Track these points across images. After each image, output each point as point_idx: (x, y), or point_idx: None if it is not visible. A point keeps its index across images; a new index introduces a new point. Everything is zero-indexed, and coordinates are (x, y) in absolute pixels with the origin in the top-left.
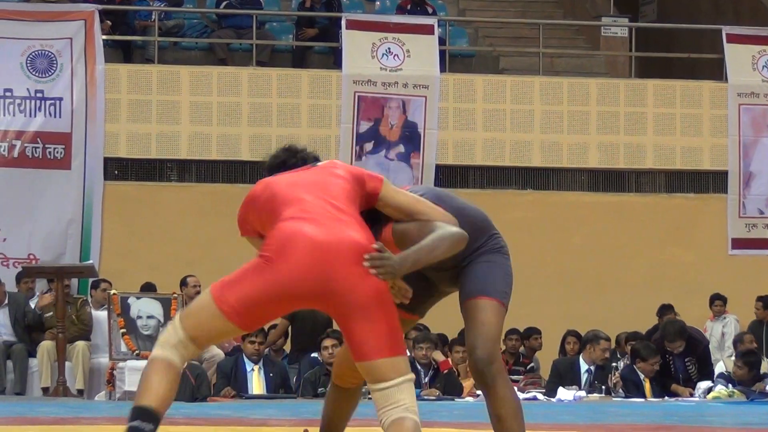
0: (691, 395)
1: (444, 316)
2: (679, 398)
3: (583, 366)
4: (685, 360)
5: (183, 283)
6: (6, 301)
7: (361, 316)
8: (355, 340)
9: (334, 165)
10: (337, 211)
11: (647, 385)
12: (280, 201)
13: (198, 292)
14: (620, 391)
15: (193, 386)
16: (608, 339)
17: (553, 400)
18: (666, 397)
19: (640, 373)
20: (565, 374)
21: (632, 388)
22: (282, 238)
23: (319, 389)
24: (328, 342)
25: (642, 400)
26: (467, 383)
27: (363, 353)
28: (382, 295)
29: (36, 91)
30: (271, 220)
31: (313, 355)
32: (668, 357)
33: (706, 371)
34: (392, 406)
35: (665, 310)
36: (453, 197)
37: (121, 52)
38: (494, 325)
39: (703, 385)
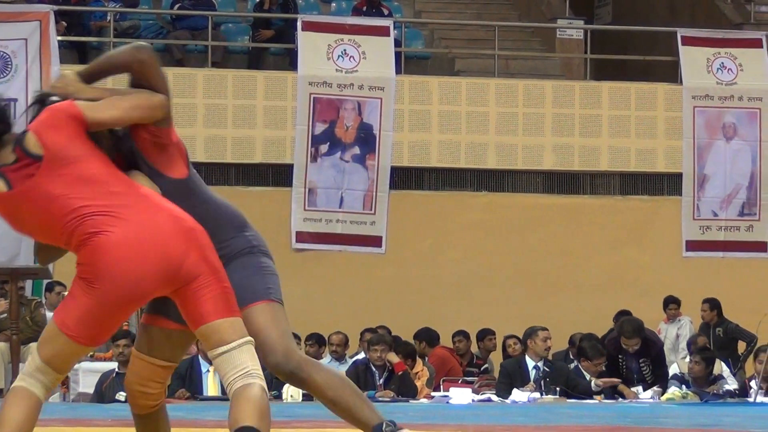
0: (636, 396)
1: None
2: (632, 400)
3: (530, 363)
4: (640, 361)
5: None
6: None
7: (193, 284)
8: (190, 307)
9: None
10: (124, 188)
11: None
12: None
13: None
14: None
15: None
16: (545, 329)
17: (507, 401)
18: (620, 399)
19: (586, 373)
20: (514, 374)
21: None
22: (92, 258)
23: (272, 391)
24: None
25: (595, 401)
26: (421, 383)
27: (199, 316)
28: (208, 260)
29: None
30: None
31: None
32: (621, 358)
33: (660, 372)
34: (236, 372)
35: (622, 316)
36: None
37: (77, 53)
38: (271, 323)
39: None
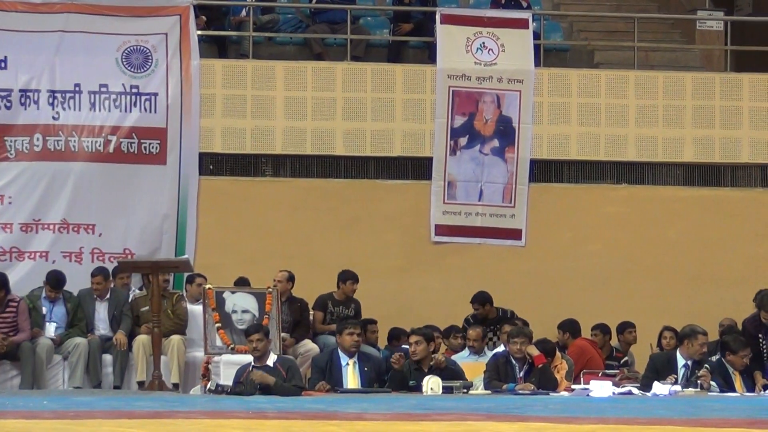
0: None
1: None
2: None
3: (680, 361)
4: None
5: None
6: (108, 296)
7: None
8: None
9: None
10: None
11: (737, 380)
12: None
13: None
14: (710, 385)
15: (285, 380)
16: (705, 334)
17: (648, 394)
18: (765, 391)
19: (729, 366)
20: (662, 369)
21: (722, 382)
22: None
23: (410, 382)
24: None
25: (736, 394)
26: (560, 376)
27: None
28: None
29: (131, 87)
30: None
31: (404, 346)
32: (761, 338)
33: None
34: None
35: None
36: None
37: (216, 48)
38: None
39: None
